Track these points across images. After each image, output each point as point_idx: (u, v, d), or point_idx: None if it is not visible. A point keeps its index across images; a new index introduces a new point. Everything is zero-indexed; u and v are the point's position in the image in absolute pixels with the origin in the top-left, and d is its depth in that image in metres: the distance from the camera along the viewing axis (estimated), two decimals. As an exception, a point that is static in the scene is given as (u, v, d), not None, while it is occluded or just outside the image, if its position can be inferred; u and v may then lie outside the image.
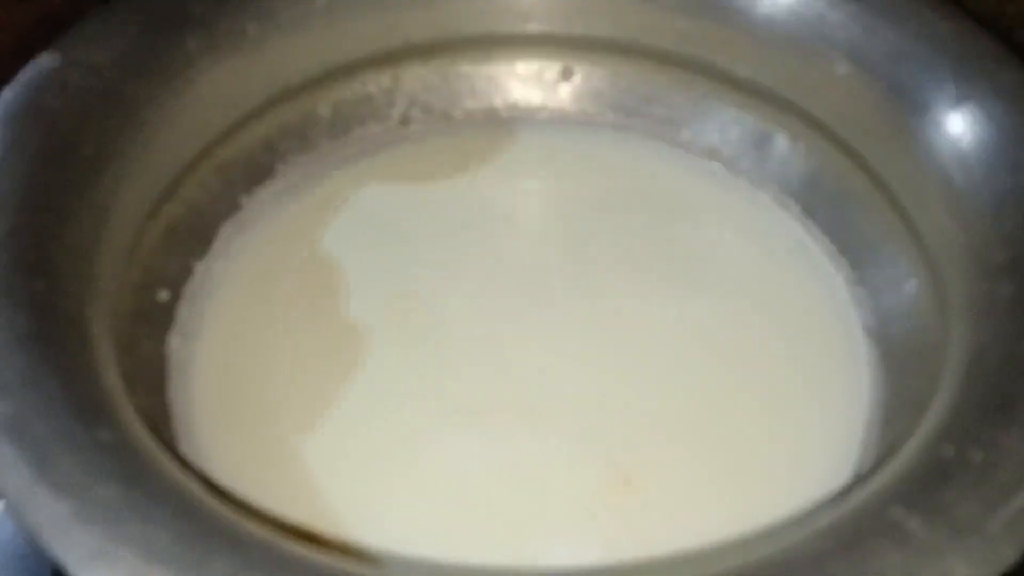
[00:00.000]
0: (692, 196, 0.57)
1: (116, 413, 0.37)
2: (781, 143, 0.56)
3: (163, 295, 0.50)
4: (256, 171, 0.55)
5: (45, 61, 0.46)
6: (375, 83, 0.58)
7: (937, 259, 0.47)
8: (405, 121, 0.59)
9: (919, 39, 0.49)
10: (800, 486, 0.44)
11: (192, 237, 0.52)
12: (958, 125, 0.46)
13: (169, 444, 0.44)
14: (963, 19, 0.49)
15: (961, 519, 0.32)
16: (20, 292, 0.38)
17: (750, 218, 0.56)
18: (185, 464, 0.43)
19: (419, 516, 0.43)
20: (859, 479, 0.44)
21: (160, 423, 0.45)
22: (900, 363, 0.48)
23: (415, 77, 0.58)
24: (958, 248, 0.44)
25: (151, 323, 0.49)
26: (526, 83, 0.60)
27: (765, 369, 0.49)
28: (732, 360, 0.49)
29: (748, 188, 0.57)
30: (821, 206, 0.55)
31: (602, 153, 0.59)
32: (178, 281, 0.51)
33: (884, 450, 0.45)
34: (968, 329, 0.41)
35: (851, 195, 0.53)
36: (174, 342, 0.49)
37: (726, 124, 0.58)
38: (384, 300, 0.51)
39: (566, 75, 0.60)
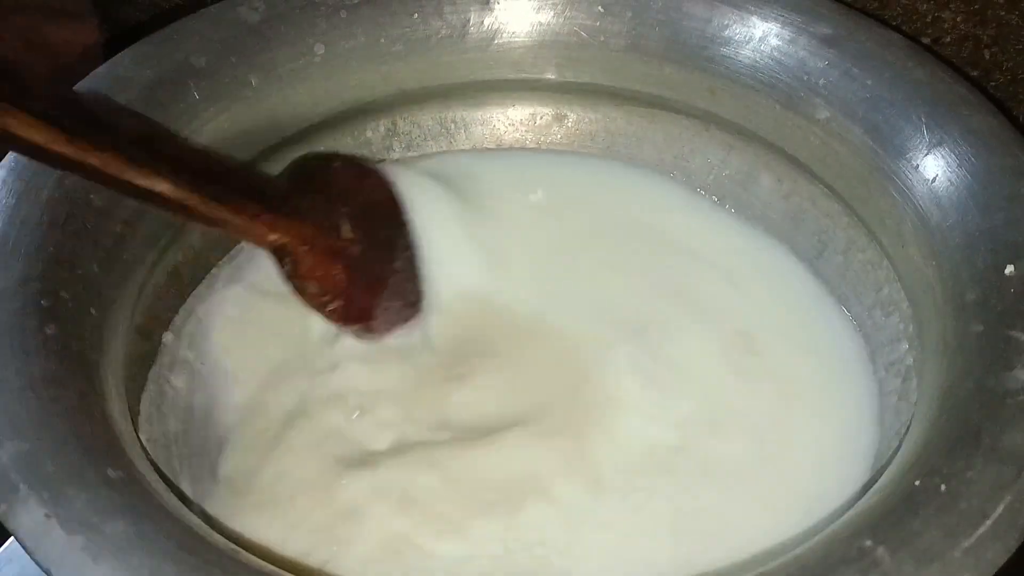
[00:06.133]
0: (685, 231, 0.58)
1: (124, 451, 0.38)
2: (766, 184, 0.58)
3: (167, 337, 0.51)
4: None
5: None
6: (373, 129, 0.60)
7: (913, 297, 0.48)
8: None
9: (895, 85, 0.50)
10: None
11: (194, 281, 0.54)
12: (933, 167, 0.47)
13: (173, 479, 0.46)
14: (938, 65, 0.51)
15: (925, 547, 0.34)
16: (32, 337, 0.40)
17: (744, 255, 0.57)
18: (185, 499, 0.44)
19: (412, 553, 0.44)
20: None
21: (164, 459, 0.47)
22: (884, 395, 0.50)
23: (411, 123, 0.60)
24: (932, 286, 0.45)
25: (157, 363, 0.50)
26: (520, 127, 0.62)
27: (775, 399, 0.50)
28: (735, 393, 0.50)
29: (737, 223, 0.58)
30: (805, 245, 0.56)
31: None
32: (181, 323, 0.52)
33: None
34: (941, 364, 0.43)
35: (833, 234, 0.55)
36: (177, 381, 0.50)
37: (713, 166, 0.59)
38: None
39: (559, 119, 0.61)
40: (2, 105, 0.38)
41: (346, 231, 0.50)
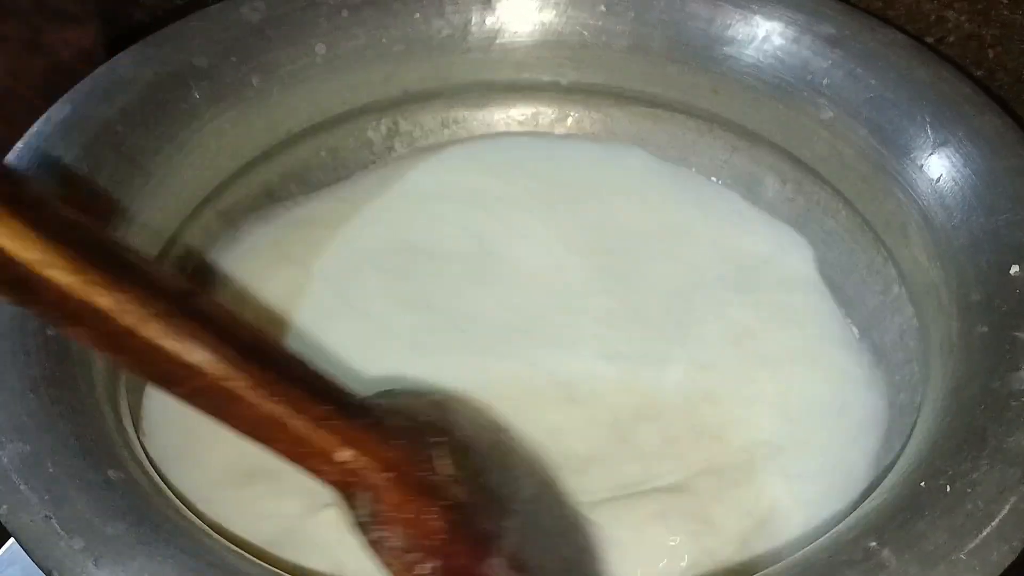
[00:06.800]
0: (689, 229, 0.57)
1: (124, 453, 0.39)
2: (770, 185, 0.57)
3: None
4: (258, 215, 0.56)
5: (56, 114, 0.47)
6: (374, 129, 0.59)
7: (918, 297, 0.48)
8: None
9: (899, 85, 0.50)
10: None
11: (195, 280, 0.53)
12: (937, 167, 0.47)
13: (171, 479, 0.45)
14: (942, 65, 0.51)
15: (930, 549, 0.33)
16: (33, 338, 0.40)
17: (747, 254, 0.56)
18: (186, 501, 0.44)
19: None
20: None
21: (163, 459, 0.46)
22: (891, 396, 0.50)
23: (413, 123, 0.60)
24: (937, 286, 0.46)
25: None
26: (522, 127, 0.61)
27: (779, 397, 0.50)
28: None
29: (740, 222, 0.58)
30: (810, 245, 0.56)
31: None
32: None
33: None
34: (946, 365, 0.43)
35: (838, 235, 0.55)
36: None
37: (718, 167, 0.59)
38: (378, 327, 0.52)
39: (561, 119, 0.61)
40: None
41: (445, 465, 0.36)
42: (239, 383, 0.30)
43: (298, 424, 0.32)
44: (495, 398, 0.47)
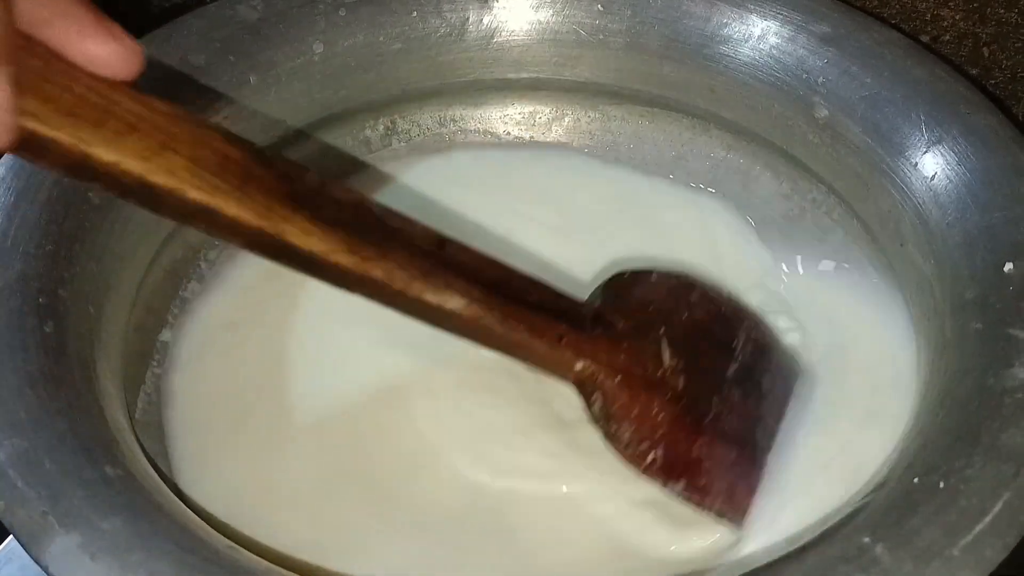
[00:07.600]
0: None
1: (122, 449, 0.39)
2: (766, 182, 0.58)
3: (165, 334, 0.51)
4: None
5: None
6: (371, 128, 0.60)
7: (913, 294, 0.48)
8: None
9: (894, 83, 0.50)
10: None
11: (192, 278, 0.54)
12: (932, 165, 0.47)
13: (168, 475, 0.46)
14: (937, 64, 0.51)
15: (924, 545, 0.34)
16: (31, 334, 0.40)
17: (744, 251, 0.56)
18: (183, 496, 0.44)
19: (401, 548, 0.44)
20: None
21: (161, 456, 0.47)
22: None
23: (410, 122, 0.60)
24: (931, 284, 0.46)
25: (154, 361, 0.50)
26: (519, 126, 0.62)
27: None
28: None
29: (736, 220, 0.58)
30: (804, 243, 0.56)
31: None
32: (178, 320, 0.52)
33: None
34: (940, 362, 0.43)
35: (833, 232, 0.55)
36: (173, 378, 0.50)
37: (713, 164, 0.59)
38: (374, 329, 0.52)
39: (558, 118, 0.61)
40: (279, 210, 0.33)
41: (667, 357, 0.43)
42: (489, 320, 0.38)
43: (539, 345, 0.39)
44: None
